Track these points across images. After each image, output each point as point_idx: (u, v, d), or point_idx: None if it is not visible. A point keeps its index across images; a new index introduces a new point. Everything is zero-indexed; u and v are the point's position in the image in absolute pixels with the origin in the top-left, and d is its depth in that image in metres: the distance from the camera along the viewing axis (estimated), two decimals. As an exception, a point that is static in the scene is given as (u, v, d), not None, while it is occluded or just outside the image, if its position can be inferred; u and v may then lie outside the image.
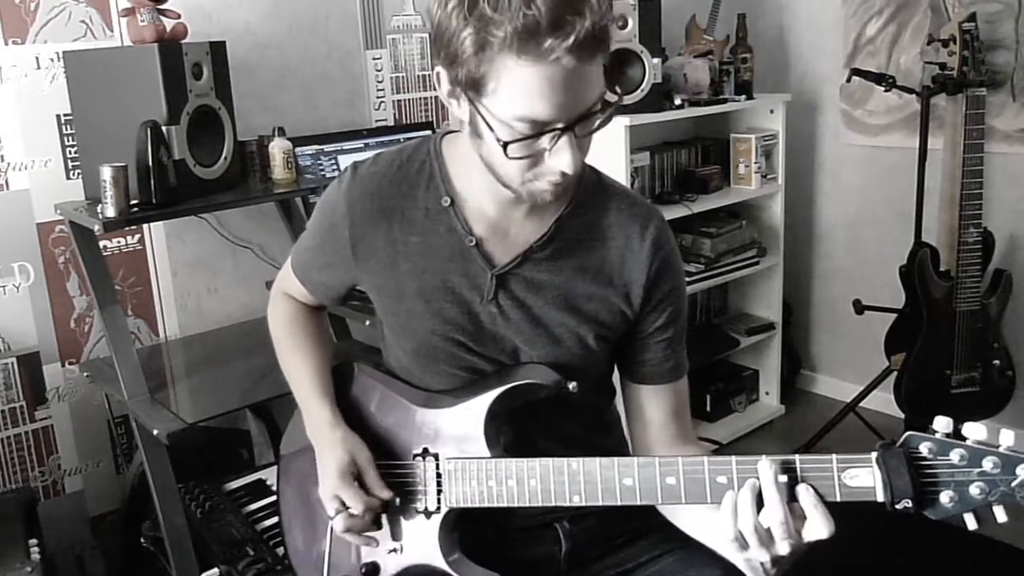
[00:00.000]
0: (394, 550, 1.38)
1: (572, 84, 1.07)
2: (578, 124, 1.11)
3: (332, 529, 1.42)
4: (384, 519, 1.38)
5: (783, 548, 1.08)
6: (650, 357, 1.38)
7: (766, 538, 1.08)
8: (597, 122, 1.14)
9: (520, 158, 1.13)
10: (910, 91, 3.18)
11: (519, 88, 1.07)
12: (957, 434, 1.03)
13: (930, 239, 3.13)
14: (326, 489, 1.35)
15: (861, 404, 3.37)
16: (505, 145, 1.11)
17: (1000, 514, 1.01)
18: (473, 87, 1.11)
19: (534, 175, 1.17)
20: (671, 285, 1.36)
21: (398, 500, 1.36)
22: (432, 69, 1.19)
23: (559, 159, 1.13)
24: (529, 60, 1.05)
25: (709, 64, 3.29)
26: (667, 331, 1.37)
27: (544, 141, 1.12)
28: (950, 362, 3.03)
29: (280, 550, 2.10)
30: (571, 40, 1.03)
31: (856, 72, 3.23)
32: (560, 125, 1.10)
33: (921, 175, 3.12)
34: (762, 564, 1.11)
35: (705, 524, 1.26)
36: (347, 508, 1.33)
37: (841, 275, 3.84)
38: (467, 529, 1.36)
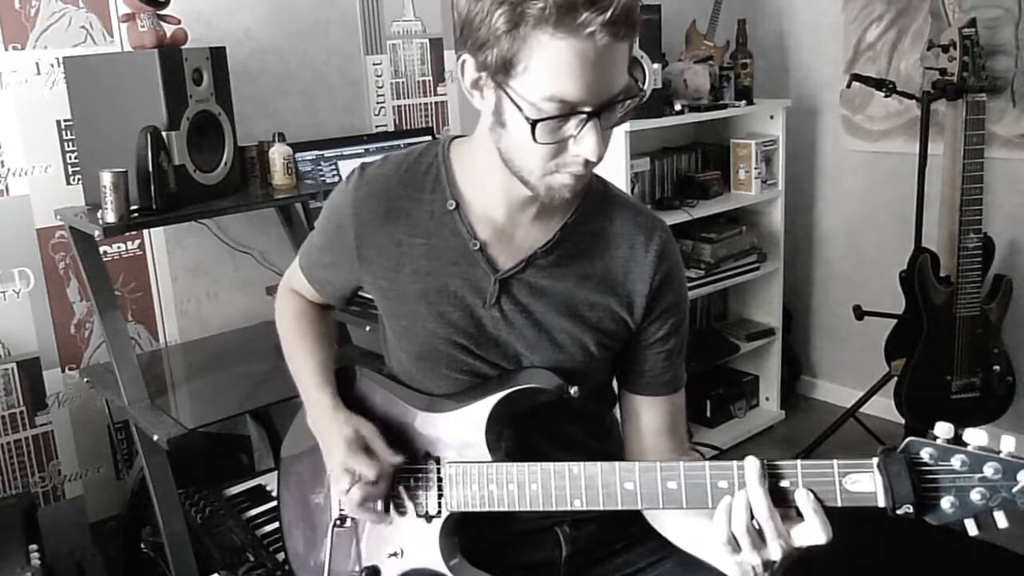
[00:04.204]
0: (394, 554, 1.37)
1: (603, 63, 1.09)
2: (603, 112, 1.12)
3: (332, 532, 1.42)
4: (393, 512, 1.38)
5: (775, 551, 1.08)
6: (648, 368, 1.38)
7: (758, 540, 1.09)
8: (621, 112, 1.15)
9: (546, 143, 1.13)
10: (910, 96, 3.18)
11: (551, 65, 1.08)
12: (958, 440, 1.03)
13: (930, 244, 3.13)
14: (335, 464, 1.34)
15: (861, 410, 3.38)
16: (534, 124, 1.11)
17: (1001, 519, 1.01)
18: (503, 68, 1.11)
19: (556, 165, 1.17)
20: (674, 297, 1.36)
21: (401, 460, 1.36)
22: (456, 60, 1.20)
23: (583, 145, 1.13)
24: (564, 33, 1.06)
25: (709, 69, 3.30)
26: (667, 343, 1.37)
27: (571, 126, 1.13)
28: (950, 368, 3.03)
29: (280, 555, 2.09)
30: (608, 14, 1.05)
31: (856, 77, 3.23)
32: (588, 109, 1.11)
33: (921, 180, 3.13)
34: (753, 568, 1.11)
35: (690, 531, 1.27)
36: (359, 480, 1.32)
37: (841, 280, 3.84)
38: (468, 533, 1.36)
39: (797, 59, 3.81)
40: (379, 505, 1.37)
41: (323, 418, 1.41)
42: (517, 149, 1.17)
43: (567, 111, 1.11)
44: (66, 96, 2.25)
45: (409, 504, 1.36)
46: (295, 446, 1.54)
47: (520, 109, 1.12)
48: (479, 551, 1.36)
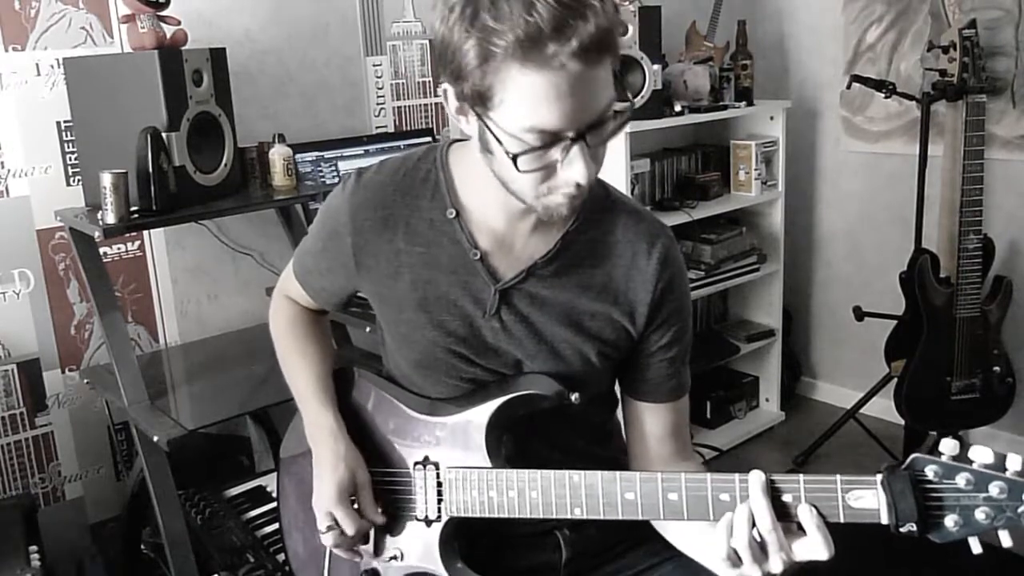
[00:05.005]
0: (394, 557, 1.37)
1: (579, 90, 1.05)
2: (589, 133, 1.09)
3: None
4: (371, 533, 1.38)
5: (776, 565, 1.07)
6: (651, 375, 1.37)
7: (759, 553, 1.08)
8: (609, 130, 1.12)
9: (532, 171, 1.11)
10: (910, 98, 3.18)
11: (525, 97, 1.05)
12: (963, 457, 1.02)
13: (930, 246, 3.13)
14: (321, 503, 1.35)
15: (861, 411, 3.37)
16: (515, 158, 1.09)
17: (1005, 539, 1.00)
18: (480, 101, 1.09)
19: (548, 188, 1.15)
20: (676, 305, 1.35)
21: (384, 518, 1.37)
22: (438, 86, 1.17)
23: (572, 170, 1.11)
24: (533, 67, 1.03)
25: (709, 70, 3.30)
26: (670, 351, 1.36)
27: (555, 152, 1.10)
28: (950, 369, 3.02)
29: (280, 557, 2.09)
30: (574, 44, 1.01)
31: (856, 79, 3.23)
32: (570, 134, 1.08)
33: (921, 182, 3.13)
34: None
35: (694, 538, 1.26)
36: (339, 527, 1.33)
37: (841, 282, 3.84)
38: (467, 536, 1.36)
39: (797, 60, 3.81)
40: (350, 552, 1.38)
41: (322, 440, 1.39)
42: (507, 174, 1.15)
43: (549, 140, 1.08)
44: (66, 97, 2.25)
45: (408, 508, 1.36)
46: (294, 447, 1.54)
47: (501, 143, 1.10)
48: (478, 554, 1.36)
